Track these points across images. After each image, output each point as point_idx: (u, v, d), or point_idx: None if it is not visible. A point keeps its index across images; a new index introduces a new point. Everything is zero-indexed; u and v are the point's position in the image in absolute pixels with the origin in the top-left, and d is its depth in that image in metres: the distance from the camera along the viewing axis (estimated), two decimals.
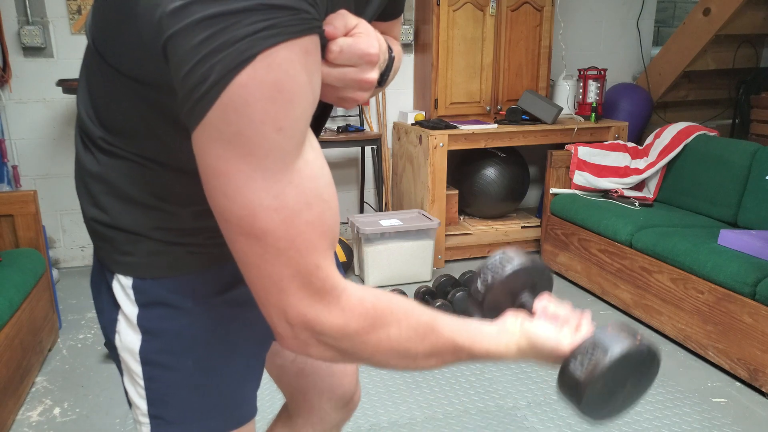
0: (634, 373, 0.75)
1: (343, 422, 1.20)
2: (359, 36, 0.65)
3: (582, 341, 0.74)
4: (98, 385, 2.26)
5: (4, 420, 1.92)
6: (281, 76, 0.54)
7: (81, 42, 3.19)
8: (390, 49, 0.77)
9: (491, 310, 0.85)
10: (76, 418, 2.07)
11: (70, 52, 3.20)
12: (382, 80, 0.76)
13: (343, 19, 0.64)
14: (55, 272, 3.12)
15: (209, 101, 0.54)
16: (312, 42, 0.56)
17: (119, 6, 0.61)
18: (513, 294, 0.86)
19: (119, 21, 0.62)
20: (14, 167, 3.24)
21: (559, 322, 0.78)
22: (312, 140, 0.62)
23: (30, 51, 3.15)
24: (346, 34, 0.64)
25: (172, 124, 0.66)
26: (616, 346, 0.71)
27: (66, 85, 2.92)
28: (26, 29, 3.07)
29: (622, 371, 0.72)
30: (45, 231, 2.61)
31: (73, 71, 3.19)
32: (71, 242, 3.46)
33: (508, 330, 0.77)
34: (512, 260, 0.85)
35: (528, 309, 0.84)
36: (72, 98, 3.23)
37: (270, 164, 0.57)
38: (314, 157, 0.62)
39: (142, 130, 0.70)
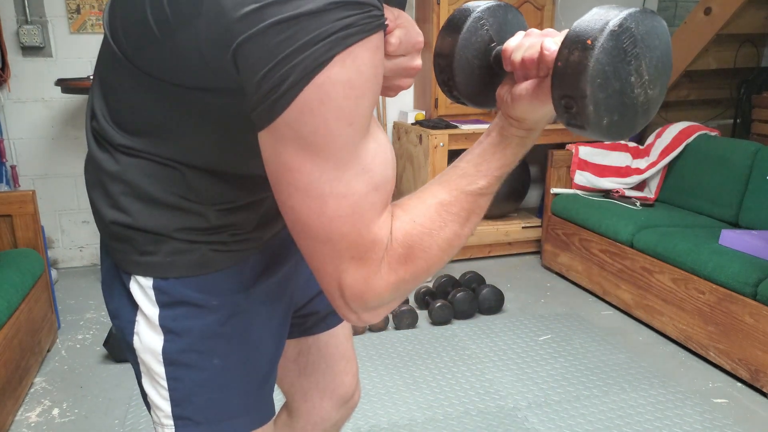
0: (635, 52, 0.59)
1: (344, 421, 1.20)
2: (409, 25, 0.66)
3: (560, 45, 0.59)
4: (97, 386, 2.26)
5: (2, 421, 1.91)
6: (354, 75, 0.56)
7: (80, 41, 3.18)
8: None
9: (473, 93, 0.73)
10: (75, 418, 2.06)
11: (69, 51, 3.19)
12: None
13: (390, 12, 0.65)
14: (53, 272, 3.11)
15: (286, 102, 0.56)
16: (380, 38, 0.58)
17: (160, 10, 0.60)
18: (481, 56, 0.71)
19: (160, 26, 0.61)
20: (13, 167, 3.23)
21: (529, 68, 0.65)
22: (376, 122, 0.64)
23: (29, 50, 3.14)
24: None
25: (210, 124, 0.67)
26: (599, 25, 0.56)
27: (65, 84, 2.91)
28: (25, 29, 3.06)
29: (617, 54, 0.57)
30: (44, 231, 2.60)
31: (72, 71, 3.18)
32: (70, 242, 3.45)
33: (501, 130, 0.69)
34: (461, 18, 0.70)
35: (500, 63, 0.69)
36: (71, 98, 3.22)
37: (341, 156, 0.58)
38: (384, 140, 0.63)
39: (169, 131, 0.70)
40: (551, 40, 0.63)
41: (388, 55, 0.65)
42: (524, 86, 0.66)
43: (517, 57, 0.66)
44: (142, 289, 0.77)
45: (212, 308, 0.79)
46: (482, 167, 0.69)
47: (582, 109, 0.58)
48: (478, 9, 0.71)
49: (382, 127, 3.79)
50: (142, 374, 0.82)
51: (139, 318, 0.79)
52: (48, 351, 2.50)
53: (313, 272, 0.66)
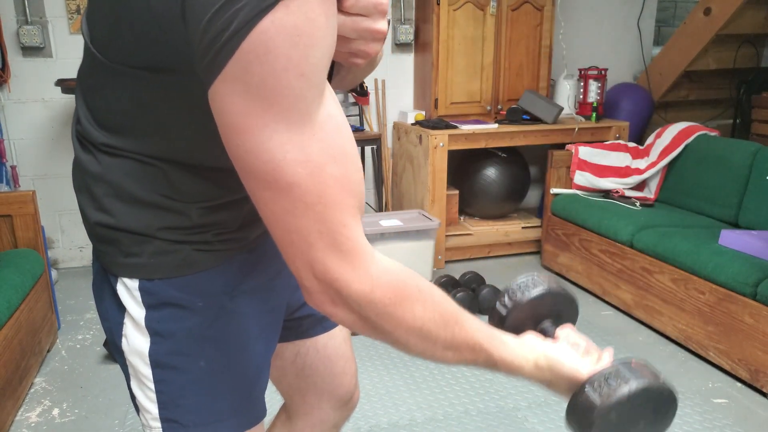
0: (650, 412, 0.73)
1: (343, 422, 1.19)
2: None
3: (602, 369, 0.73)
4: (97, 386, 2.26)
5: (2, 421, 1.91)
6: (301, 20, 0.53)
7: (80, 42, 3.18)
8: None
9: (511, 331, 0.83)
10: (75, 419, 2.07)
11: (69, 51, 3.19)
12: None
13: None
14: (53, 273, 3.11)
15: (230, 50, 0.53)
16: None
17: None
18: (536, 319, 0.85)
19: (124, 11, 0.62)
20: (13, 167, 3.24)
21: (580, 350, 0.78)
22: (332, 94, 0.62)
23: (29, 51, 3.14)
24: None
25: (186, 110, 0.66)
26: (638, 379, 0.70)
27: (65, 84, 2.91)
28: (25, 29, 3.06)
29: (638, 406, 0.71)
30: (44, 231, 2.60)
31: (72, 71, 3.18)
32: (70, 243, 3.45)
33: (530, 345, 0.76)
34: (540, 284, 0.84)
35: (549, 336, 0.82)
36: (71, 98, 3.22)
37: (294, 115, 0.56)
38: (337, 111, 0.61)
39: (150, 127, 0.70)
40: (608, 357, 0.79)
41: (344, 10, 0.63)
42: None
43: (574, 341, 0.80)
44: (128, 290, 0.77)
45: (197, 310, 0.78)
46: (492, 340, 0.73)
47: (612, 391, 0.71)
48: (561, 293, 0.86)
49: (382, 127, 3.79)
50: (131, 377, 0.82)
51: (126, 320, 0.79)
52: (48, 351, 2.50)
53: (281, 252, 0.64)
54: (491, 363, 0.73)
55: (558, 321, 0.85)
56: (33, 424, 2.03)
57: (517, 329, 0.83)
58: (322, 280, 0.63)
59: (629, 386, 0.68)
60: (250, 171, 0.60)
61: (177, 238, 0.75)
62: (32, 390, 2.24)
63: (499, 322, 0.84)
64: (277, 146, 0.57)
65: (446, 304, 0.70)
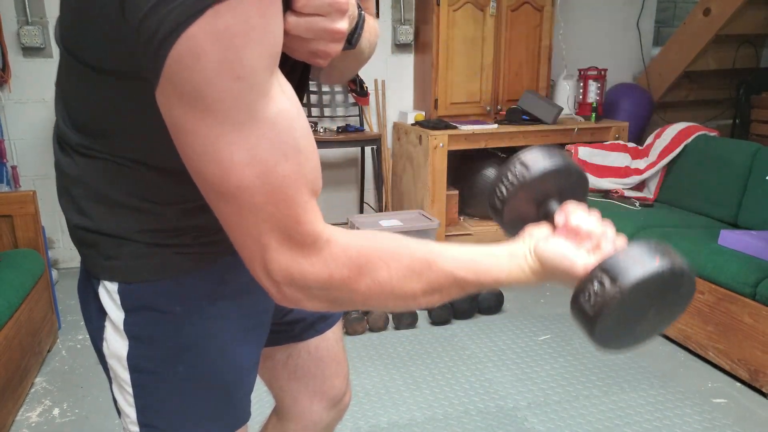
0: (658, 298, 0.65)
1: (335, 424, 1.19)
2: None
3: (593, 268, 0.64)
4: (97, 386, 2.26)
5: (3, 421, 1.92)
6: (233, 21, 0.51)
7: None
8: (359, 7, 0.74)
9: (514, 223, 0.77)
10: (76, 419, 2.07)
11: None
12: (352, 38, 0.73)
13: None
14: (54, 273, 3.12)
15: (162, 56, 0.52)
16: None
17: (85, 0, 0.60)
18: (537, 203, 0.76)
19: (88, 13, 0.61)
20: (13, 167, 3.24)
21: (579, 238, 0.69)
22: (285, 89, 0.60)
23: (29, 51, 3.14)
24: None
25: (150, 112, 0.63)
26: (628, 275, 0.61)
27: None
28: (26, 29, 3.07)
29: (639, 300, 0.63)
30: (44, 231, 2.61)
31: None
32: (70, 243, 3.44)
33: (520, 252, 0.70)
34: (531, 166, 0.74)
35: (552, 220, 0.74)
36: None
37: (237, 117, 0.54)
38: (288, 106, 0.59)
39: (122, 128, 0.69)
40: (609, 239, 0.69)
41: (295, 11, 0.61)
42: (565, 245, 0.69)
43: (574, 225, 0.70)
44: (108, 294, 0.76)
45: (176, 314, 0.77)
46: (474, 266, 0.68)
47: (604, 299, 0.63)
48: (558, 169, 0.75)
49: (382, 127, 3.78)
50: (112, 380, 0.82)
51: (106, 323, 0.78)
52: (48, 351, 2.50)
53: (233, 245, 0.63)
54: (484, 287, 0.70)
55: (563, 198, 0.75)
56: (33, 424, 2.03)
57: (518, 218, 0.77)
58: (280, 280, 0.62)
59: (621, 284, 0.61)
60: (198, 173, 0.58)
61: (155, 240, 0.74)
62: (33, 390, 2.24)
63: (498, 216, 0.78)
64: (223, 148, 0.55)
65: (415, 253, 0.67)
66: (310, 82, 0.90)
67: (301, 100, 0.84)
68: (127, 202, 0.72)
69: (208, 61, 0.51)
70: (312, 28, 0.62)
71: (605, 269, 0.63)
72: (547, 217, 0.75)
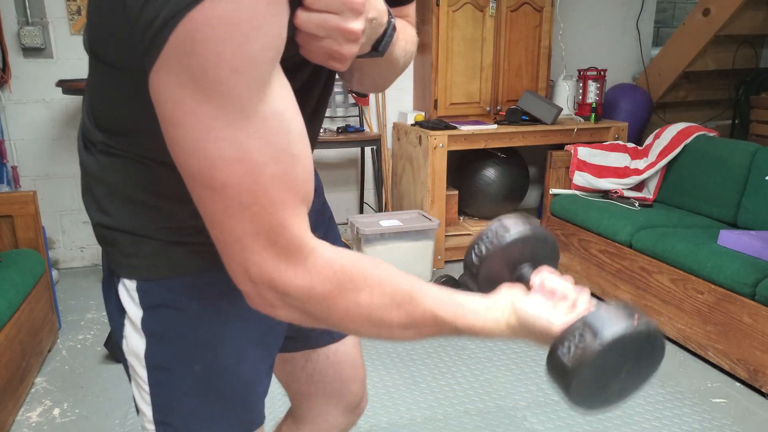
0: (632, 358, 0.66)
1: (350, 428, 1.19)
2: None
3: (572, 324, 0.66)
4: (98, 386, 2.26)
5: (3, 421, 1.92)
6: (236, 10, 0.50)
7: (81, 43, 3.19)
8: (390, 14, 0.72)
9: (487, 283, 0.78)
10: (76, 419, 2.07)
11: (69, 52, 3.19)
12: (379, 45, 0.72)
13: None
14: (54, 273, 3.12)
15: (160, 42, 0.51)
16: None
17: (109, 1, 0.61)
18: (512, 266, 0.79)
19: (102, 11, 0.61)
20: (14, 168, 3.24)
21: (555, 298, 0.70)
22: (284, 89, 0.59)
23: (30, 51, 3.15)
24: None
25: None
26: (608, 330, 0.63)
27: (66, 85, 2.92)
28: (26, 30, 3.07)
29: (615, 357, 0.65)
30: (44, 232, 2.61)
31: (73, 72, 3.18)
32: (71, 243, 3.45)
33: (498, 306, 0.70)
34: (510, 229, 0.77)
35: (525, 283, 0.76)
36: (72, 99, 3.23)
37: (230, 112, 0.53)
38: (284, 108, 0.58)
39: (141, 127, 0.69)
40: (584, 301, 0.70)
41: (306, 7, 0.59)
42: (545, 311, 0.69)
43: (550, 286, 0.72)
44: (128, 291, 0.77)
45: (193, 312, 0.77)
46: (454, 308, 0.68)
47: (584, 351, 0.64)
48: (535, 234, 0.78)
49: (382, 127, 3.79)
50: (130, 378, 0.82)
51: (126, 321, 0.78)
52: (49, 351, 2.50)
53: (214, 242, 0.62)
54: (458, 333, 0.69)
55: (536, 263, 0.78)
56: (34, 424, 2.04)
57: (492, 281, 0.78)
58: (259, 283, 0.61)
59: (600, 340, 0.62)
60: (185, 167, 0.58)
61: (172, 238, 0.74)
62: (33, 390, 2.24)
63: (473, 279, 0.79)
64: (212, 142, 0.54)
65: (398, 283, 0.66)
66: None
67: (325, 107, 0.84)
68: (145, 199, 0.73)
69: (207, 50, 0.50)
70: (323, 25, 0.60)
71: (587, 323, 0.65)
72: (521, 279, 0.78)
